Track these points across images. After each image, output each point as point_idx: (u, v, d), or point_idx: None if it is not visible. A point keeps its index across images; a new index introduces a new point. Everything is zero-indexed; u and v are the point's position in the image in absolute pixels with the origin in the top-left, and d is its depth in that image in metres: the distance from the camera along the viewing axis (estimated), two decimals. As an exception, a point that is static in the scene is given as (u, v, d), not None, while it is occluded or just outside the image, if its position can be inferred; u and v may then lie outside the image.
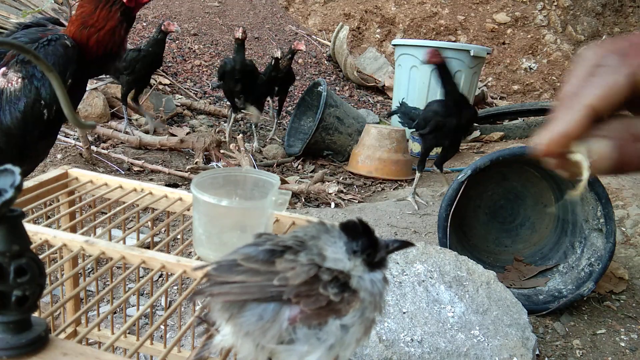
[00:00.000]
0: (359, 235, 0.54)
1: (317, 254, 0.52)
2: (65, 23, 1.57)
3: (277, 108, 4.22)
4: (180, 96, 4.60)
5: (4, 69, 1.42)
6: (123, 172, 2.99)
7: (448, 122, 2.67)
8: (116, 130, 3.58)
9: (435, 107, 2.76)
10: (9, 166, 0.46)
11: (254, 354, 0.54)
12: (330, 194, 2.87)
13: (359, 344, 0.55)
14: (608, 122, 0.39)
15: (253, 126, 3.86)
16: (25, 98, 1.41)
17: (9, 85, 1.40)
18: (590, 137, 0.39)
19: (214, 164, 3.34)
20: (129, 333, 1.12)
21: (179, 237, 0.99)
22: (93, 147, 3.11)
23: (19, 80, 1.41)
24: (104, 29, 1.47)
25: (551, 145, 0.40)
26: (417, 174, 2.94)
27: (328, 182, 3.30)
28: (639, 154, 0.38)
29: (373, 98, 5.83)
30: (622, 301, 2.30)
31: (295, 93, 5.38)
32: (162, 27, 3.19)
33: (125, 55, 3.22)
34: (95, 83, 3.79)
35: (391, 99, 5.21)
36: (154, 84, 4.45)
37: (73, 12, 1.56)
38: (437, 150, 4.32)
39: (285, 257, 0.52)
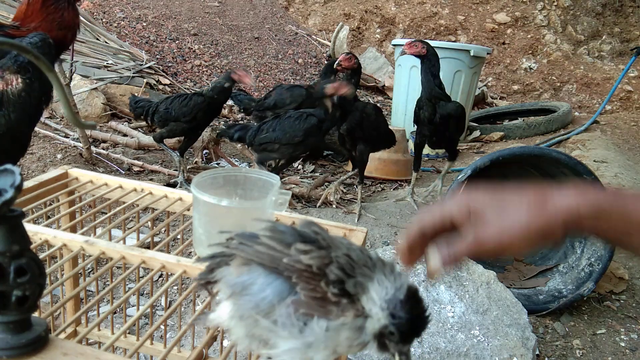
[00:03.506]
0: (413, 311, 0.52)
1: (361, 285, 0.52)
2: None
3: None
4: (180, 96, 4.60)
5: None
6: (123, 172, 2.99)
7: (422, 115, 2.69)
8: (115, 130, 3.58)
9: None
10: (9, 166, 0.46)
11: (246, 340, 0.54)
12: (331, 202, 2.86)
13: (333, 356, 0.54)
14: (443, 236, 0.62)
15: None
16: (30, 97, 1.44)
17: (9, 86, 1.42)
18: (431, 247, 0.62)
19: (213, 163, 3.34)
20: (129, 333, 1.12)
21: (179, 237, 0.99)
22: (93, 147, 3.11)
23: (19, 80, 1.42)
24: (75, 26, 1.60)
25: (402, 254, 0.62)
26: (414, 174, 2.94)
27: (329, 181, 3.30)
28: (454, 254, 0.59)
29: (373, 98, 5.83)
30: (622, 301, 2.30)
31: (295, 93, 5.38)
32: (232, 75, 2.70)
33: (187, 100, 2.75)
34: (95, 83, 3.80)
35: (391, 99, 5.21)
36: (155, 85, 4.46)
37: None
38: (436, 150, 4.32)
39: (306, 249, 0.52)
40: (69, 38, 1.60)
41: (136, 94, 3.50)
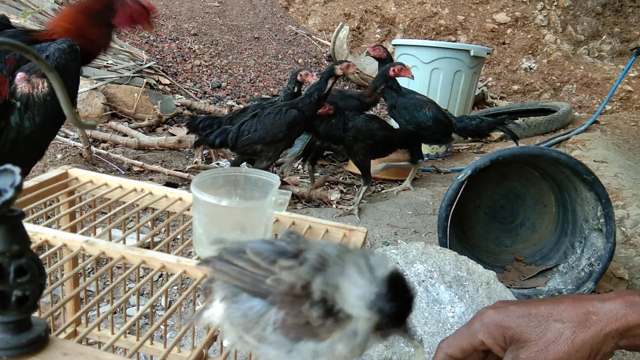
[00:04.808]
0: (399, 299, 0.50)
1: (332, 284, 0.49)
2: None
3: None
4: (180, 96, 4.60)
5: (22, 73, 1.41)
6: (123, 172, 2.99)
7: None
8: (115, 130, 3.58)
9: None
10: (9, 166, 0.46)
11: (237, 344, 0.55)
12: (332, 201, 2.86)
13: None
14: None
15: None
16: (54, 102, 1.41)
17: (35, 90, 1.40)
18: None
19: (213, 163, 3.34)
20: (129, 333, 1.12)
21: (179, 237, 0.99)
22: (93, 147, 3.11)
23: (45, 84, 1.41)
24: (94, 41, 1.58)
25: None
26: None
27: (329, 181, 3.30)
28: None
29: (373, 98, 5.83)
30: (622, 301, 2.29)
31: (295, 93, 5.39)
32: (298, 77, 2.73)
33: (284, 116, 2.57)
34: (95, 83, 3.79)
35: (391, 99, 5.20)
36: (155, 85, 4.46)
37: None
38: (436, 150, 4.32)
39: (289, 265, 0.51)
40: (87, 49, 1.55)
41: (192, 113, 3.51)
